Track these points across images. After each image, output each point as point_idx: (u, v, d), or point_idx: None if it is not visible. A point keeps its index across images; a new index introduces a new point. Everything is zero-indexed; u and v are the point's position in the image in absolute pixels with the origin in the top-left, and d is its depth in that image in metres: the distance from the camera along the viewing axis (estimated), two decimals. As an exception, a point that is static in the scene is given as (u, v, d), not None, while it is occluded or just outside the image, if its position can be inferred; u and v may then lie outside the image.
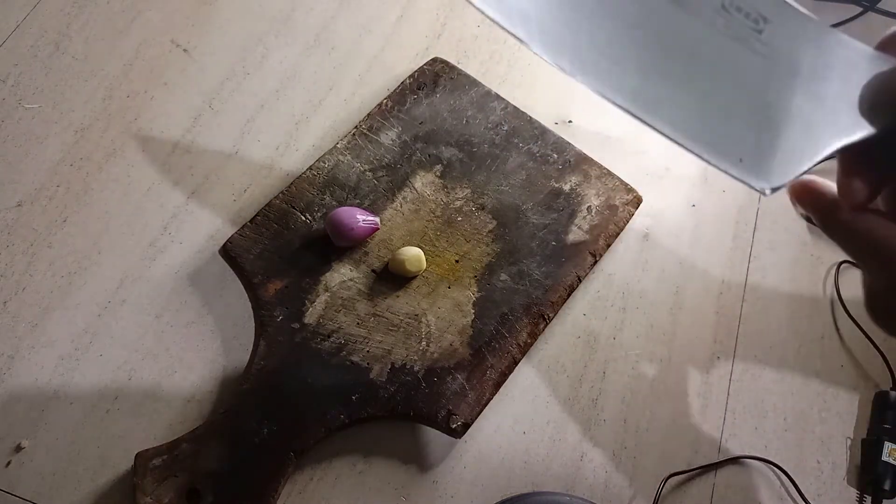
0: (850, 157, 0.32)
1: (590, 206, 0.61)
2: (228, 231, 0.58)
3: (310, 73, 0.67)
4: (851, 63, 0.31)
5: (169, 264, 0.57)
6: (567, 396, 0.57)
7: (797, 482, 0.55)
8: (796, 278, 0.64)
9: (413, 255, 0.55)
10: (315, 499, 0.51)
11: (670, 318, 0.61)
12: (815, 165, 0.31)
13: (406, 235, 0.58)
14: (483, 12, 0.30)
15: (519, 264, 0.57)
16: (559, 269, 0.58)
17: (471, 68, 0.68)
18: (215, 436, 0.49)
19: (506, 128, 0.63)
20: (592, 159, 0.63)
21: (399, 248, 0.56)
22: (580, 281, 0.58)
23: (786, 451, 0.57)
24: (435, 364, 0.53)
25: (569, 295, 0.57)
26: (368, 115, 0.62)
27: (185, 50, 0.67)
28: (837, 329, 0.62)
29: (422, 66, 0.65)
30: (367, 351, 0.53)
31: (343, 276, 0.55)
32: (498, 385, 0.53)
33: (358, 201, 0.58)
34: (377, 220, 0.56)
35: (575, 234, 0.59)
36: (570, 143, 0.63)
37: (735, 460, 0.56)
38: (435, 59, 0.66)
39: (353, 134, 0.61)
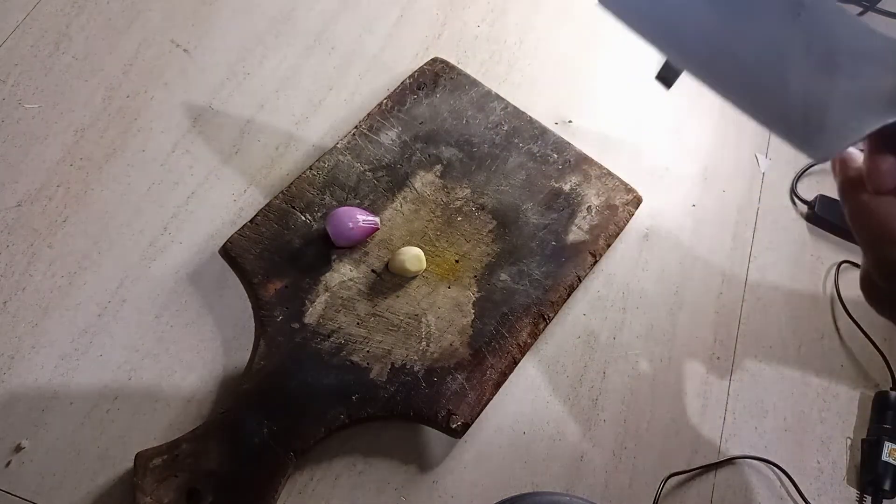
0: (878, 140, 0.34)
1: (590, 206, 0.61)
2: (228, 231, 0.58)
3: (310, 73, 0.67)
4: (886, 50, 0.34)
5: (169, 264, 0.57)
6: (567, 396, 0.57)
7: (797, 482, 0.55)
8: (796, 278, 0.64)
9: (413, 255, 0.55)
10: (315, 499, 0.51)
11: (670, 318, 0.61)
12: (857, 141, 0.34)
13: (406, 235, 0.58)
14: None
15: (519, 264, 0.57)
16: (559, 269, 0.58)
17: (471, 68, 0.68)
18: (215, 436, 0.49)
19: (506, 128, 0.63)
20: (592, 159, 0.63)
21: (399, 248, 0.56)
22: (580, 281, 0.58)
23: (786, 451, 0.57)
24: (435, 364, 0.53)
25: (569, 295, 0.57)
26: (368, 115, 0.62)
27: (185, 50, 0.67)
28: (837, 329, 0.62)
29: (422, 66, 0.65)
30: (367, 351, 0.53)
31: (343, 276, 0.55)
32: (498, 385, 0.53)
33: (358, 201, 0.58)
34: (377, 220, 0.56)
35: (575, 234, 0.59)
36: (570, 143, 0.63)
37: (735, 460, 0.56)
38: (435, 59, 0.66)
39: (353, 134, 0.61)
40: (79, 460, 0.50)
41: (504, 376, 0.54)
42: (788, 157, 0.70)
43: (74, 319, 0.54)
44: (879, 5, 0.80)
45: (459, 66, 0.66)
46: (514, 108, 0.64)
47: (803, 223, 0.67)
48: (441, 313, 0.55)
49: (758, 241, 0.65)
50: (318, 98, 0.66)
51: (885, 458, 0.54)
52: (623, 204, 0.61)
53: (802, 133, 0.33)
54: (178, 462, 0.47)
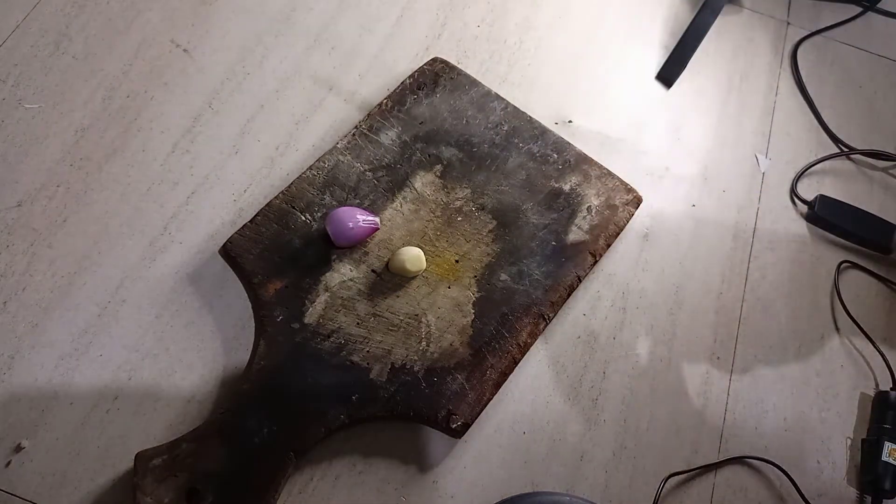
0: None
1: (590, 206, 0.61)
2: (228, 231, 0.58)
3: (310, 73, 0.67)
4: None
5: (169, 264, 0.57)
6: (567, 396, 0.57)
7: (797, 482, 0.55)
8: (796, 278, 0.64)
9: (413, 255, 0.55)
10: (315, 499, 0.51)
11: (670, 318, 0.61)
12: None
13: (406, 235, 0.58)
14: None
15: (519, 264, 0.57)
16: (559, 269, 0.58)
17: (471, 68, 0.68)
18: (215, 436, 0.49)
19: (506, 128, 0.63)
20: (592, 159, 0.63)
21: (399, 248, 0.56)
22: (580, 281, 0.58)
23: (786, 451, 0.57)
24: (435, 364, 0.53)
25: (569, 295, 0.57)
26: (368, 115, 0.62)
27: (185, 50, 0.67)
28: (837, 329, 0.62)
29: (422, 66, 0.65)
30: (367, 351, 0.53)
31: (343, 276, 0.55)
32: (498, 385, 0.53)
33: (358, 201, 0.58)
34: (377, 220, 0.56)
35: (575, 234, 0.59)
36: (570, 143, 0.63)
37: (735, 460, 0.56)
38: (435, 59, 0.66)
39: (353, 134, 0.61)
40: (79, 460, 0.50)
41: (504, 376, 0.54)
42: (788, 157, 0.70)
43: (74, 319, 0.54)
44: (879, 5, 0.80)
45: (459, 66, 0.66)
46: (514, 108, 0.64)
47: (803, 223, 0.67)
48: (441, 313, 0.55)
49: (758, 241, 0.65)
50: (318, 98, 0.66)
51: (885, 458, 0.54)
52: (623, 204, 0.61)
53: None
54: (178, 462, 0.47)
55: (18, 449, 0.50)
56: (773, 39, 0.77)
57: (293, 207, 0.57)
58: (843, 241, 0.66)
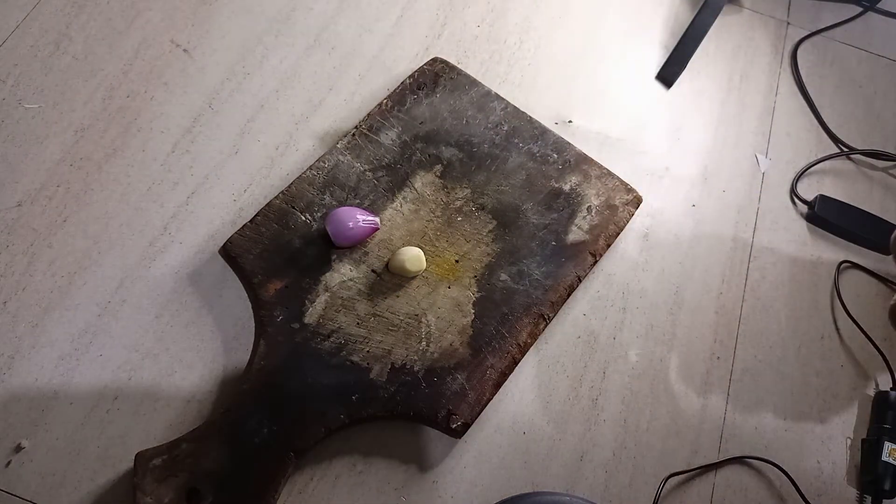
0: None
1: (590, 206, 0.61)
2: (228, 231, 0.58)
3: (310, 73, 0.67)
4: None
5: (169, 264, 0.57)
6: (567, 396, 0.57)
7: (797, 482, 0.55)
8: (796, 278, 0.64)
9: (413, 255, 0.55)
10: (315, 499, 0.51)
11: (670, 318, 0.61)
12: None
13: (406, 235, 0.58)
14: None
15: (519, 264, 0.57)
16: (559, 269, 0.58)
17: (471, 68, 0.68)
18: (215, 436, 0.49)
19: (506, 128, 0.63)
20: (592, 159, 0.63)
21: (399, 248, 0.56)
22: (580, 281, 0.58)
23: (786, 451, 0.57)
24: (435, 364, 0.53)
25: (569, 295, 0.57)
26: (368, 115, 0.62)
27: (185, 50, 0.67)
28: (837, 329, 0.62)
29: (422, 66, 0.65)
30: (367, 351, 0.53)
31: (343, 276, 0.55)
32: (498, 385, 0.53)
33: (358, 201, 0.58)
34: (377, 220, 0.56)
35: (575, 234, 0.59)
36: (570, 143, 0.63)
37: (735, 460, 0.56)
38: (435, 59, 0.66)
39: (353, 134, 0.61)
40: (79, 460, 0.50)
41: (504, 376, 0.54)
42: (788, 157, 0.70)
43: (74, 319, 0.54)
44: (879, 5, 0.80)
45: (459, 66, 0.66)
46: (514, 108, 0.64)
47: (803, 223, 0.67)
48: (441, 313, 0.55)
49: (758, 241, 0.65)
50: (318, 98, 0.66)
51: (885, 458, 0.54)
52: (623, 204, 0.61)
53: None
54: (178, 462, 0.47)
55: (18, 449, 0.50)
56: (773, 39, 0.77)
57: (293, 207, 0.57)
58: (843, 241, 0.66)
